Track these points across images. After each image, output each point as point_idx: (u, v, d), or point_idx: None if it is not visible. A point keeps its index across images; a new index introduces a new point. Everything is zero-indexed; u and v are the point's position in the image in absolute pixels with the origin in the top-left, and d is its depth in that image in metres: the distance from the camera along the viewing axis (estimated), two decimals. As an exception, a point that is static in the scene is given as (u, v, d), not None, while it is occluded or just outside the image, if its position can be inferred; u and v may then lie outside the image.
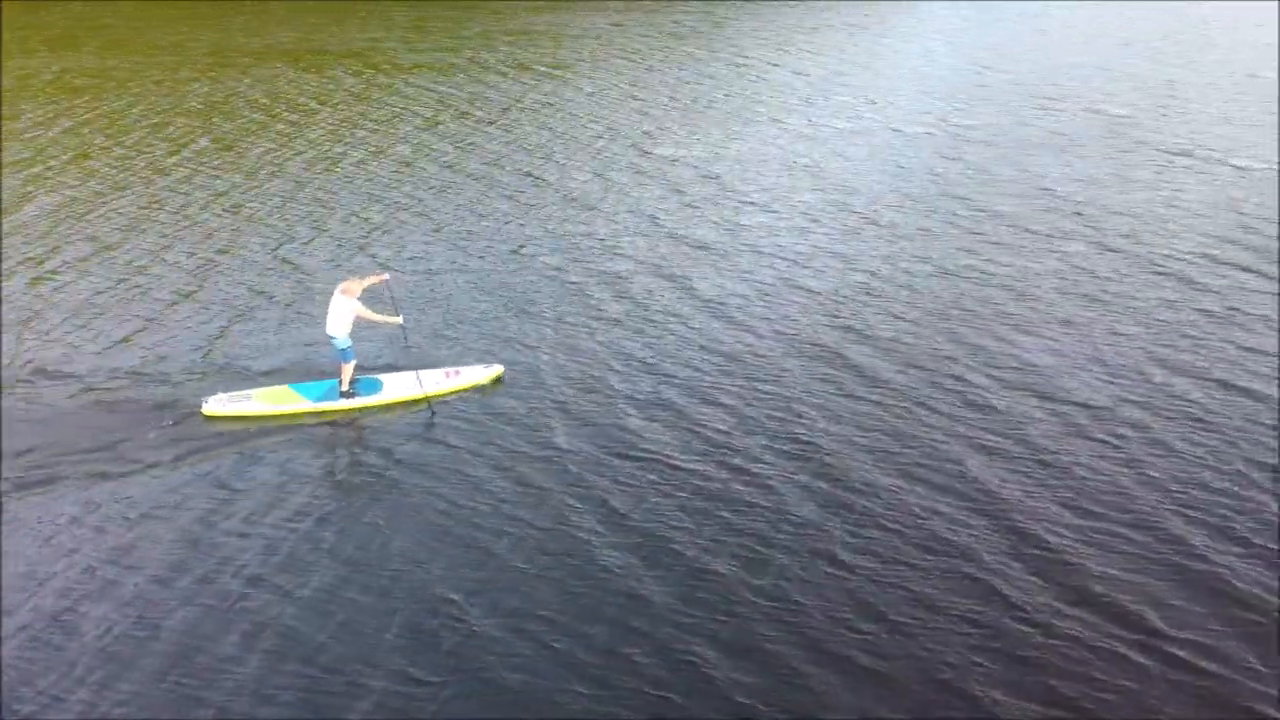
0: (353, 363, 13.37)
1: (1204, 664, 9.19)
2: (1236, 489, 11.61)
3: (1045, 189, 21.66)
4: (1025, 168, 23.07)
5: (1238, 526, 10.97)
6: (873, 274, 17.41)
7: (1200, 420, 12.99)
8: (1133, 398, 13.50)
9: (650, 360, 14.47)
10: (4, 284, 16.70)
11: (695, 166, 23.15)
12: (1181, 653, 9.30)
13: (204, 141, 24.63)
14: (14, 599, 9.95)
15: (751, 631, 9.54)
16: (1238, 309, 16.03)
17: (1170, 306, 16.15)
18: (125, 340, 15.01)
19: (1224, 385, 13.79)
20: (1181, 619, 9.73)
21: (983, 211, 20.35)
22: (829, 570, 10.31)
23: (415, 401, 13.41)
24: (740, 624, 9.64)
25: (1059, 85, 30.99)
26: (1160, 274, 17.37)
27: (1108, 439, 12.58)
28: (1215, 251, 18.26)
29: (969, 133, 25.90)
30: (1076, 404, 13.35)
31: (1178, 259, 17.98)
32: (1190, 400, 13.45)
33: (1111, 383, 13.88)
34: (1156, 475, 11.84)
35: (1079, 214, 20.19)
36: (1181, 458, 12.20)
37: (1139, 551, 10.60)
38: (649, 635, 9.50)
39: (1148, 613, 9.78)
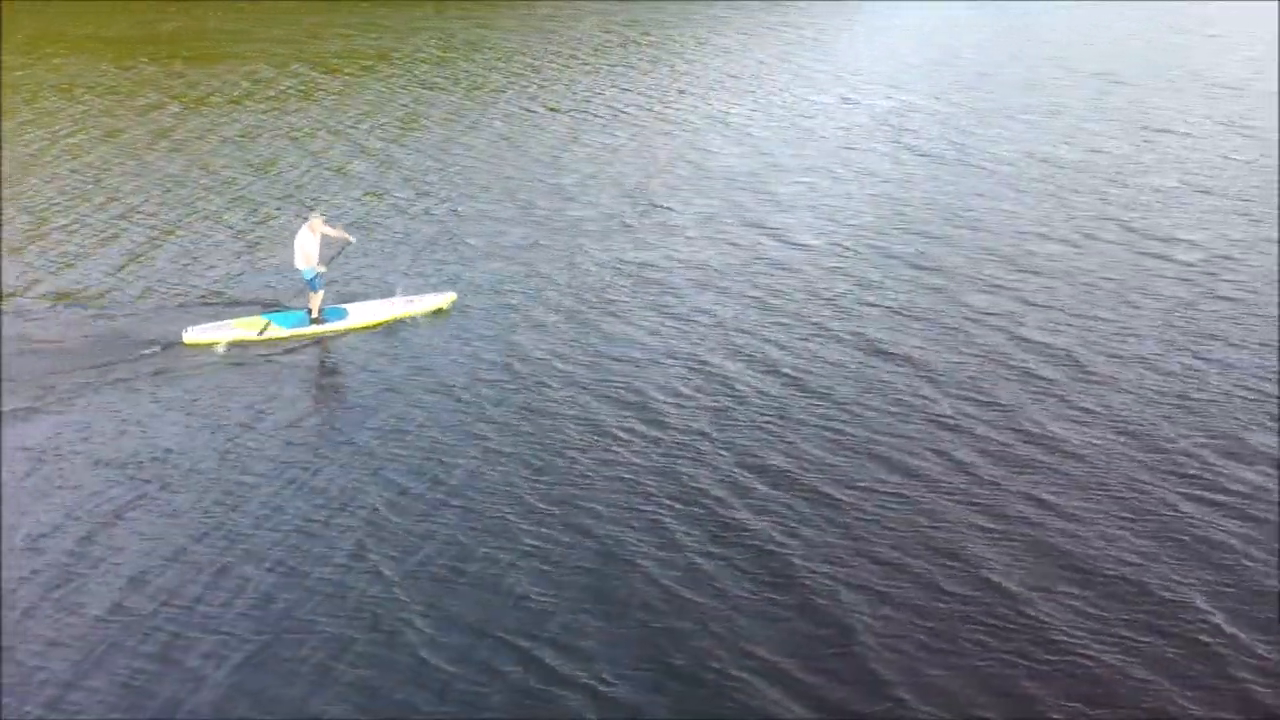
0: (320, 292, 14.79)
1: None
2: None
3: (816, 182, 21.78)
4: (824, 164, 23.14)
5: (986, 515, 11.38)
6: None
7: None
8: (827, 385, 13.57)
9: (575, 289, 16.24)
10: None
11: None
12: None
13: (189, 95, 25.74)
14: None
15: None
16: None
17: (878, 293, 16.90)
18: (107, 277, 16.51)
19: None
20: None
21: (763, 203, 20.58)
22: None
23: (377, 326, 14.97)
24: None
25: (953, 88, 32.15)
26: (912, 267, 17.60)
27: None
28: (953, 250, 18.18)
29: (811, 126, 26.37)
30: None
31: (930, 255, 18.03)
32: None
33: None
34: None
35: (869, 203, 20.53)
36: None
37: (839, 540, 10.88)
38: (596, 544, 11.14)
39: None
